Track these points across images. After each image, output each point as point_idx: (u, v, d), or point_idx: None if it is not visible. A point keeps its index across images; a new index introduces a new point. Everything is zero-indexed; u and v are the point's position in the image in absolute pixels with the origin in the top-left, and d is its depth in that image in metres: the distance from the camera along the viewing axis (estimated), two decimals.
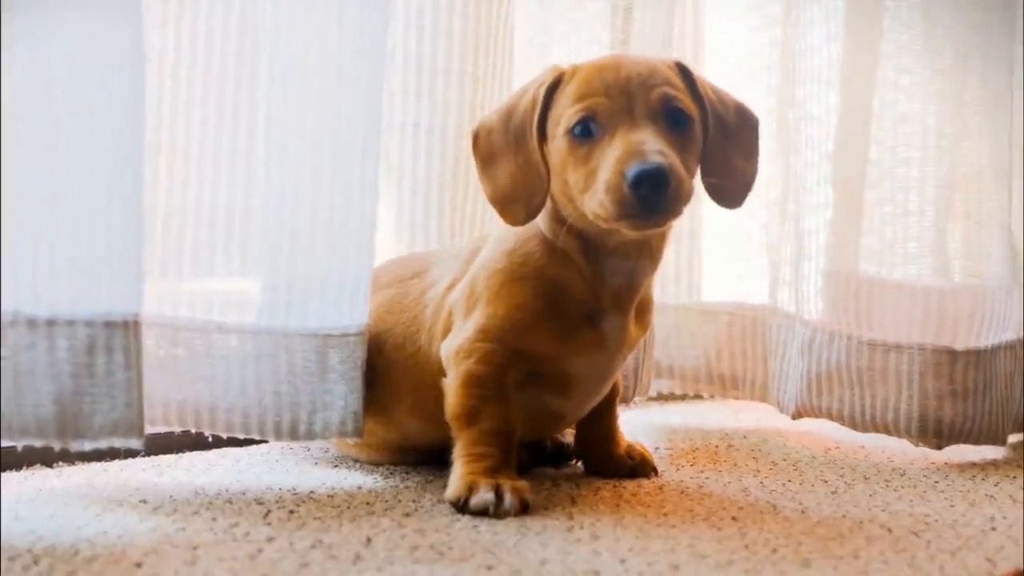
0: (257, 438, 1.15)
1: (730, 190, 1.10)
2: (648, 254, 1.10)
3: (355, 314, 1.13)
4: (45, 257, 0.96)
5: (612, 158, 0.99)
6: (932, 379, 1.36)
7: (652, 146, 0.98)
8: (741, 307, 1.57)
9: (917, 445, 1.38)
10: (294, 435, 1.13)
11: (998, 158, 1.43)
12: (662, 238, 1.10)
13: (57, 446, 0.97)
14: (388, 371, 1.16)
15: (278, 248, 1.12)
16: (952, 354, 1.36)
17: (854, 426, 1.40)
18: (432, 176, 1.35)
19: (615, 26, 1.46)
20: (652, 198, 0.97)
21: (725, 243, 1.62)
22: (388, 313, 1.18)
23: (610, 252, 1.08)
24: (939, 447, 1.37)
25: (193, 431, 1.14)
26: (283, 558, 0.88)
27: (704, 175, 1.08)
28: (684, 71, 1.08)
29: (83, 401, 0.97)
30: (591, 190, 1.01)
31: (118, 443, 0.98)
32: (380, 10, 1.13)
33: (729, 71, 1.58)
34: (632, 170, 0.96)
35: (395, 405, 1.17)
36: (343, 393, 1.13)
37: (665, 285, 1.55)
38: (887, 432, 1.38)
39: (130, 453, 1.22)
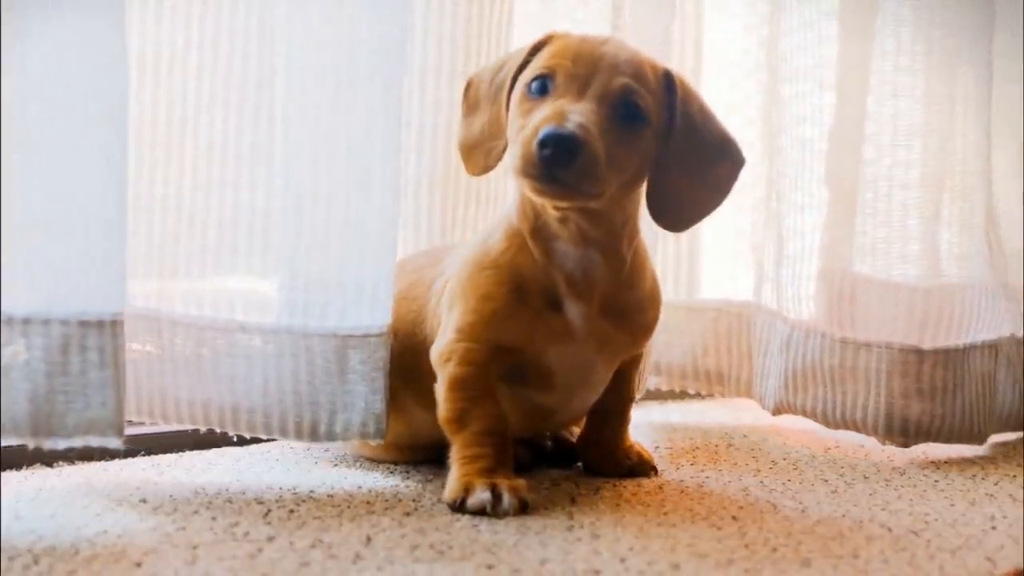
0: (279, 439, 1.16)
1: (673, 213, 1.10)
2: (596, 246, 1.08)
3: (376, 314, 1.13)
4: (21, 256, 0.96)
5: (539, 117, 1.00)
6: (899, 378, 1.36)
7: (576, 117, 0.99)
8: (727, 304, 1.57)
9: (884, 443, 1.39)
10: (315, 436, 1.13)
11: (979, 157, 1.43)
12: (610, 233, 1.08)
13: (31, 444, 0.96)
14: (400, 357, 1.16)
15: (298, 248, 1.13)
16: (919, 353, 1.36)
17: (826, 423, 1.41)
18: (422, 175, 1.35)
19: (617, 26, 1.46)
20: (554, 163, 0.97)
21: (718, 241, 1.62)
22: (404, 299, 1.18)
23: (553, 233, 1.08)
24: (906, 445, 1.37)
25: (217, 430, 1.14)
26: (283, 558, 0.88)
27: (651, 187, 1.08)
28: (668, 80, 1.07)
29: (56, 400, 0.97)
30: (515, 143, 1.02)
31: (94, 442, 0.98)
32: (396, 8, 1.13)
33: (729, 68, 1.58)
34: (544, 130, 0.97)
35: (407, 393, 1.17)
36: (364, 394, 1.13)
37: (664, 283, 1.55)
38: (856, 430, 1.39)
39: (130, 452, 1.22)
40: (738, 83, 1.56)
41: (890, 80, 1.41)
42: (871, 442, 1.44)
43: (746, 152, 1.53)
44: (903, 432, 1.36)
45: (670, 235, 1.55)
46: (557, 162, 0.97)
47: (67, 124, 0.97)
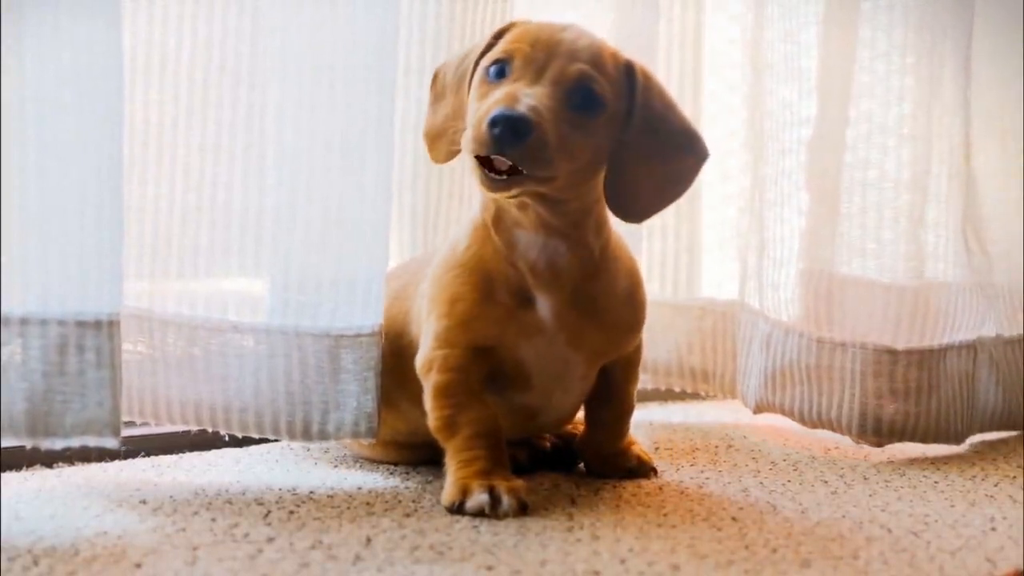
0: (271, 438, 1.16)
1: (629, 203, 1.09)
2: (559, 235, 1.07)
3: (367, 314, 1.14)
4: (19, 256, 0.96)
5: (492, 99, 1.00)
6: (873, 378, 1.37)
7: (528, 100, 0.99)
8: (712, 303, 1.58)
9: (858, 443, 1.40)
10: (307, 435, 1.14)
11: (958, 159, 1.44)
12: (573, 223, 1.08)
13: (28, 444, 0.97)
14: (392, 358, 1.16)
15: (290, 248, 1.13)
16: (893, 353, 1.37)
17: (803, 422, 1.42)
18: (405, 174, 1.35)
19: (615, 22, 1.46)
20: (503, 142, 0.96)
21: (718, 241, 1.62)
22: (396, 300, 1.19)
23: (515, 221, 1.08)
24: (879, 445, 1.39)
25: (209, 430, 1.15)
26: (283, 558, 0.88)
27: (607, 176, 1.07)
28: (629, 70, 1.07)
29: (54, 400, 0.97)
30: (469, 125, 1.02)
31: (91, 442, 0.98)
32: (389, 7, 1.13)
33: (729, 71, 1.57)
34: (495, 111, 0.97)
35: (400, 393, 1.17)
36: (356, 394, 1.13)
37: (651, 282, 1.55)
38: (832, 429, 1.40)
39: (130, 453, 1.22)
40: (737, 87, 1.56)
41: (870, 83, 1.42)
42: None
43: (739, 155, 1.55)
44: (876, 432, 1.38)
45: (656, 232, 1.56)
46: (506, 141, 0.96)
47: (64, 125, 0.97)
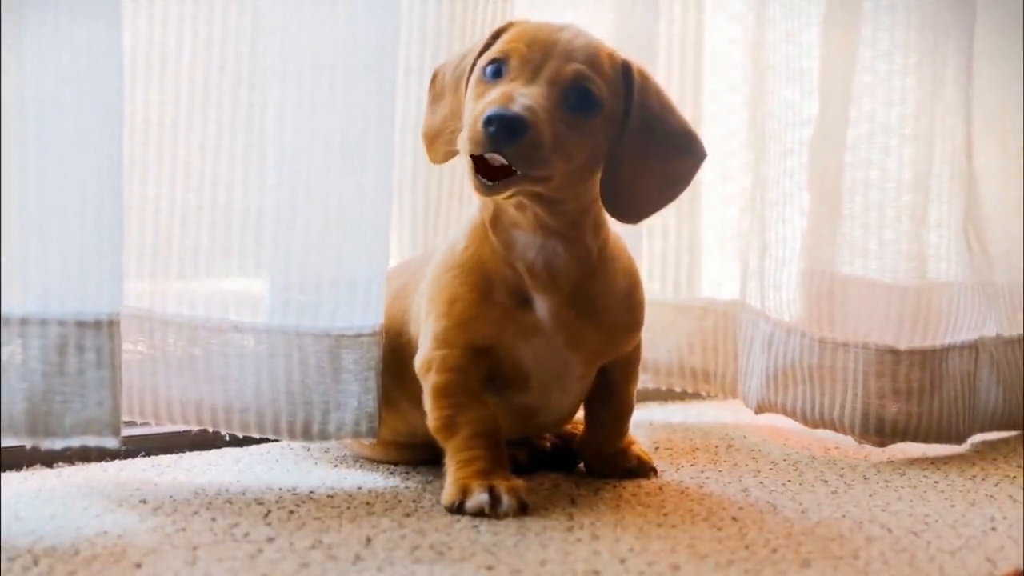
0: (272, 438, 1.16)
1: (626, 203, 1.08)
2: (557, 236, 1.07)
3: (368, 314, 1.14)
4: (19, 256, 0.96)
5: (489, 98, 1.00)
6: (875, 378, 1.38)
7: (523, 99, 0.98)
8: (713, 303, 1.58)
9: (860, 443, 1.40)
10: (308, 435, 1.14)
11: (960, 159, 1.44)
12: (571, 224, 1.08)
13: (28, 444, 0.97)
14: (391, 356, 1.16)
15: (291, 248, 1.13)
16: (895, 353, 1.38)
17: (805, 422, 1.42)
18: (405, 174, 1.35)
19: (615, 22, 1.46)
20: (498, 141, 0.96)
21: (720, 241, 1.62)
22: (397, 298, 1.19)
23: (513, 221, 1.08)
24: (882, 445, 1.39)
25: (210, 430, 1.15)
26: (283, 558, 0.88)
27: (603, 176, 1.07)
28: (626, 70, 1.07)
29: (54, 400, 0.97)
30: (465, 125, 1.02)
31: (91, 442, 0.98)
32: (389, 7, 1.13)
33: (730, 72, 1.57)
34: (490, 110, 0.97)
35: (400, 393, 1.17)
36: (356, 394, 1.14)
37: (651, 282, 1.55)
38: (834, 429, 1.40)
39: (130, 453, 1.22)
40: (737, 87, 1.56)
41: (872, 83, 1.42)
42: None
43: (740, 156, 1.55)
44: (879, 431, 1.38)
45: (656, 232, 1.56)
46: (501, 140, 0.96)
47: (64, 125, 0.97)
